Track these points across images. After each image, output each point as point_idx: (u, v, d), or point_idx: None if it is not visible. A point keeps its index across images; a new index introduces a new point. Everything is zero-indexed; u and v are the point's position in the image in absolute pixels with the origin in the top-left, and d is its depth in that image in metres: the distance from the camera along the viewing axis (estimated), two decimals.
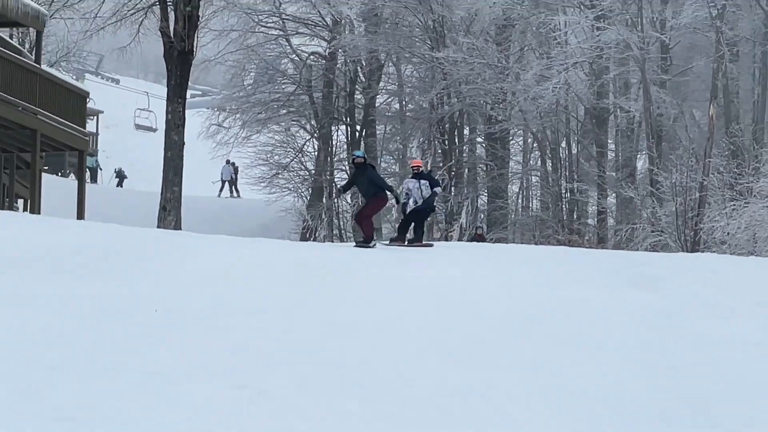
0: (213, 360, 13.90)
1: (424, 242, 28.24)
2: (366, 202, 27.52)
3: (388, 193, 27.34)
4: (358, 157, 27.42)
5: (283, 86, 64.37)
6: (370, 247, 26.38)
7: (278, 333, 15.85)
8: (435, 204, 29.62)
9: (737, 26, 58.20)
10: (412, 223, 28.34)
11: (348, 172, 59.35)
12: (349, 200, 61.75)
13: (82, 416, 11.12)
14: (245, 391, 12.65)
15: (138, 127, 73.06)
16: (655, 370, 15.82)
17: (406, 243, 27.94)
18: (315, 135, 63.07)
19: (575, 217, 62.41)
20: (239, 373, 13.23)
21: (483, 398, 13.78)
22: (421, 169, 28.69)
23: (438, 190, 28.67)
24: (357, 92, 63.70)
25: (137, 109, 73.45)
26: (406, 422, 12.33)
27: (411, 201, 27.53)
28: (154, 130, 72.76)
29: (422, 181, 27.27)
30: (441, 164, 60.72)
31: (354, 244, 28.31)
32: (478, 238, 48.25)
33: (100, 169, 68.42)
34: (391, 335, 16.51)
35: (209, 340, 14.95)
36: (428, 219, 31.10)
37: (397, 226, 32.97)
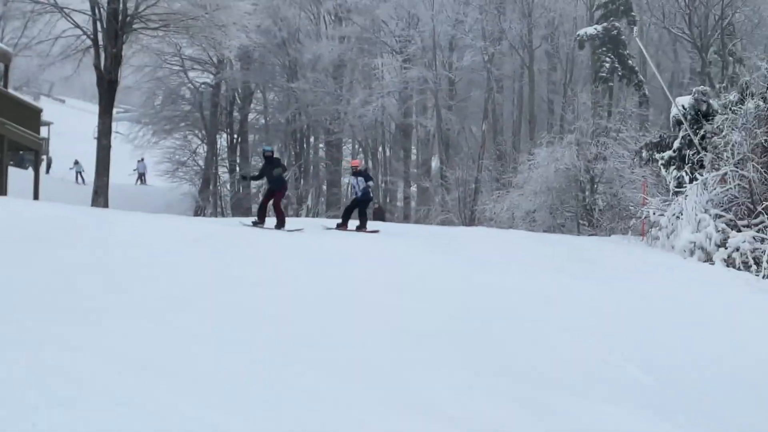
0: (135, 300, 14.50)
1: (369, 229, 27.82)
2: (273, 190, 25.70)
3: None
4: (267, 151, 26.93)
5: (182, 106, 68.20)
6: (296, 230, 25.56)
7: (187, 281, 16.53)
8: (371, 194, 29.95)
9: (502, 68, 62.12)
10: (356, 210, 27.93)
11: (228, 168, 65.73)
12: (228, 188, 66.02)
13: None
14: (162, 325, 13.20)
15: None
16: (448, 309, 16.54)
17: (349, 228, 27.55)
18: (204, 141, 67.08)
19: (388, 200, 66.91)
20: (155, 311, 13.76)
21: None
22: (359, 168, 29.41)
23: (370, 183, 29.03)
24: (235, 111, 68.27)
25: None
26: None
27: (354, 193, 28.75)
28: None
29: (359, 178, 27.92)
30: (294, 162, 65.36)
31: (251, 224, 26.11)
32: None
33: (81, 172, 66.39)
34: (271, 284, 16.97)
35: (135, 286, 15.60)
36: (368, 207, 30.02)
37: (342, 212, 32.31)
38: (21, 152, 52.24)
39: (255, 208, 52.13)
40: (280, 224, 25.83)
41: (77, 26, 43.18)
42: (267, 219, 26.64)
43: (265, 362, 11.78)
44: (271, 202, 26.46)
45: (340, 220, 28.62)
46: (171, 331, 12.90)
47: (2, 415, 7.65)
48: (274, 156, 27.49)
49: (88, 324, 12.51)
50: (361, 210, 28.08)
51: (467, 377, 12.80)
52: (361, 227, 27.65)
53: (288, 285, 17.26)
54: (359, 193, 28.12)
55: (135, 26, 42.35)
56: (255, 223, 26.07)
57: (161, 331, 12.81)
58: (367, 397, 11.11)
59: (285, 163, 45.31)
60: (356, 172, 28.94)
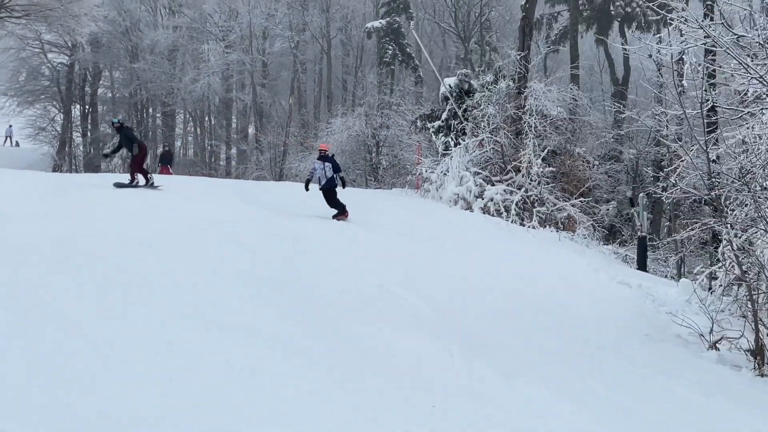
0: None
1: (347, 213, 22.00)
2: (134, 155, 22.00)
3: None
4: (115, 122, 23.74)
5: (42, 82, 64.93)
6: (155, 187, 22.39)
7: (54, 231, 15.17)
8: (337, 182, 21.82)
9: (306, 53, 62.07)
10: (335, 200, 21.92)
11: (81, 132, 64.11)
12: (81, 149, 64.09)
13: None
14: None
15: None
16: (254, 252, 15.63)
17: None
18: (61, 111, 64.12)
19: (213, 160, 66.45)
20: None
21: None
22: (326, 152, 22.28)
23: (341, 174, 22.08)
24: (86, 86, 65.16)
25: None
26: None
27: (315, 178, 21.74)
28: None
29: (326, 164, 21.53)
30: (136, 128, 58.67)
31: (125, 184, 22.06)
32: (167, 155, 40.67)
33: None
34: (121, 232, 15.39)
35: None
36: (336, 193, 22.08)
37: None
38: None
39: (104, 166, 57.76)
40: (147, 182, 21.88)
41: None
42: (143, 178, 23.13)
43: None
44: (137, 164, 22.37)
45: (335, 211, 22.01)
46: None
47: None
48: (124, 125, 22.88)
49: None
50: (329, 199, 21.96)
51: (265, 302, 12.55)
52: (338, 215, 21.84)
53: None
54: (323, 181, 21.70)
55: (1, 15, 41.47)
56: (128, 184, 21.84)
57: None
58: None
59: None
60: (323, 157, 22.11)
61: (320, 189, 21.88)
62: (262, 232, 17.78)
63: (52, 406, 7.90)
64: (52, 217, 16.56)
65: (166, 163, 37.61)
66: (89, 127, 62.92)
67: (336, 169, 21.89)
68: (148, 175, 21.61)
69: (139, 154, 21.99)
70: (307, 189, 21.75)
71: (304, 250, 16.81)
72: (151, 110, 66.01)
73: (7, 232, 14.81)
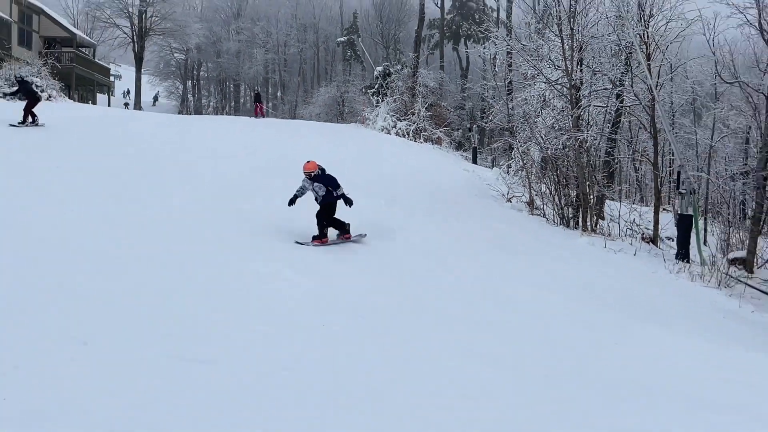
0: None
1: (353, 235, 8.79)
2: (28, 99, 13.54)
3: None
4: (17, 77, 17.48)
5: (171, 68, 56.98)
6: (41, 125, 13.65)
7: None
8: (336, 195, 8.57)
9: (306, 54, 54.90)
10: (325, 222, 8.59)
11: (192, 94, 58.18)
12: (192, 104, 57.21)
13: None
14: None
15: None
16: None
17: (329, 240, 8.60)
18: (181, 84, 57.52)
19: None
20: None
21: None
22: (312, 173, 8.50)
23: (340, 192, 8.56)
24: (194, 71, 57.83)
25: None
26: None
27: (306, 195, 8.82)
28: None
29: (315, 184, 8.59)
30: None
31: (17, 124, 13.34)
32: (258, 95, 30.90)
33: None
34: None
35: None
36: (334, 211, 8.68)
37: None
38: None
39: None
40: (33, 122, 13.55)
41: None
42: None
43: None
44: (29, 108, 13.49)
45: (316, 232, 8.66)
46: None
47: None
48: (24, 80, 15.87)
49: None
50: (329, 220, 8.66)
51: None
52: (341, 235, 8.78)
53: None
54: (319, 200, 8.70)
55: (149, 34, 41.21)
56: (21, 124, 13.32)
57: None
58: None
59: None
60: (312, 178, 8.60)
61: (318, 204, 8.79)
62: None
63: None
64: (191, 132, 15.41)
65: (258, 101, 30.86)
66: (196, 92, 59.47)
67: (330, 185, 8.69)
68: (35, 117, 13.60)
69: (34, 101, 13.70)
70: (289, 204, 8.78)
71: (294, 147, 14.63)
72: (227, 83, 60.66)
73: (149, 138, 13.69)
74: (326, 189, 8.58)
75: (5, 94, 17.96)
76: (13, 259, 5.33)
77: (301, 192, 8.76)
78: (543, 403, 3.86)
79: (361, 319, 5.41)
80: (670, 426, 3.65)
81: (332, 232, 8.65)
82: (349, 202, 8.59)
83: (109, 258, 5.91)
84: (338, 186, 8.59)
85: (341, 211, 8.73)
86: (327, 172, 8.67)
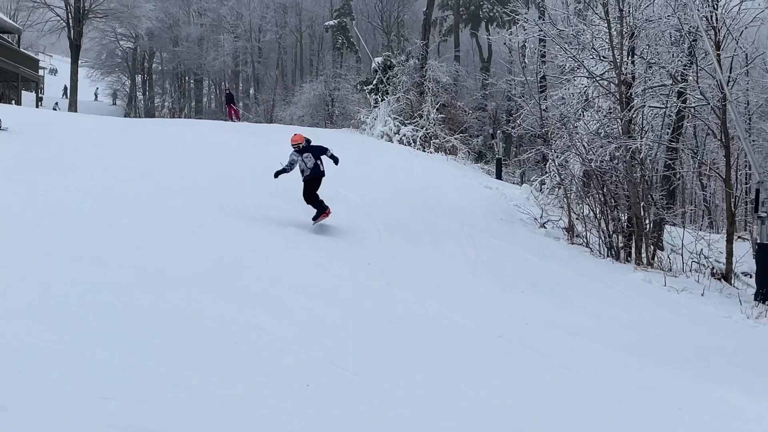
0: None
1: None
2: None
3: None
4: None
5: (116, 59, 59.23)
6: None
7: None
8: (322, 170, 11.18)
9: (286, 41, 55.78)
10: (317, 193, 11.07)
11: (142, 92, 59.38)
12: (142, 103, 58.84)
13: None
14: None
15: None
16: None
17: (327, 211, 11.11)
18: (129, 79, 59.91)
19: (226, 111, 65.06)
20: None
21: None
22: (300, 144, 11.08)
23: (330, 153, 11.26)
24: (145, 62, 59.76)
25: None
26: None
27: (294, 170, 11.24)
28: None
29: (305, 154, 11.01)
30: None
31: None
32: (229, 95, 34.16)
33: None
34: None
35: None
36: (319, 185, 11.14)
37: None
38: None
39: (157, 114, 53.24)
40: None
41: None
42: None
43: None
44: None
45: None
46: None
47: None
48: None
49: None
50: (310, 193, 11.14)
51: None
52: (317, 215, 11.10)
53: None
54: (306, 172, 11.09)
55: (89, 17, 40.68)
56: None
57: None
58: None
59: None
60: (299, 150, 11.19)
61: (304, 180, 11.08)
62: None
63: None
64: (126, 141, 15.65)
65: (231, 102, 32.91)
66: (147, 89, 59.96)
67: (320, 152, 11.21)
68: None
69: None
70: (275, 176, 11.15)
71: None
72: (186, 78, 61.48)
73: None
74: (314, 160, 10.80)
75: None
76: None
77: (289, 167, 10.93)
78: None
79: (355, 377, 5.33)
80: None
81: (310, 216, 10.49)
82: (335, 159, 11.14)
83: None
84: (327, 149, 11.09)
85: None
86: (312, 143, 10.95)
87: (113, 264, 6.96)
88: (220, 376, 4.69)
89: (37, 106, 35.12)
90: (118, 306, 5.71)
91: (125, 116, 51.51)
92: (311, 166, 10.80)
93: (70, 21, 39.44)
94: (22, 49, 35.29)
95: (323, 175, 10.93)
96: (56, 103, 48.54)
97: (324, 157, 11.15)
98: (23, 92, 35.23)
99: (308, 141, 10.95)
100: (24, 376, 4.22)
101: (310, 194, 10.86)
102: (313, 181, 10.84)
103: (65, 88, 54.85)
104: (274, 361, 5.29)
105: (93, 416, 3.77)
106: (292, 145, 10.97)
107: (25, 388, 4.06)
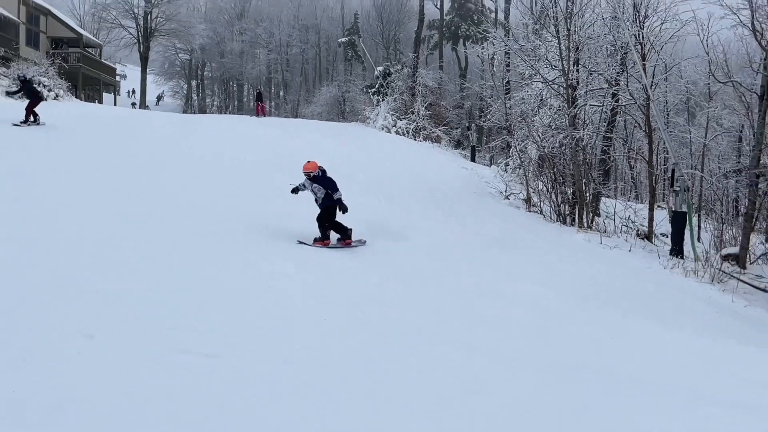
0: None
1: (353, 239, 8.18)
2: (30, 99, 13.16)
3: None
4: (20, 77, 15.12)
5: (176, 68, 56.87)
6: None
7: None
8: (333, 204, 7.92)
9: (308, 54, 54.21)
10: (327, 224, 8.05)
11: (196, 93, 57.78)
12: (197, 102, 56.75)
13: None
14: None
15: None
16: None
17: (331, 242, 8.07)
18: (186, 84, 57.06)
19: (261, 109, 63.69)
20: None
21: None
22: (312, 174, 7.89)
23: (337, 196, 7.87)
24: (198, 70, 57.30)
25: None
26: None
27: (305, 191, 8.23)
28: None
29: (315, 185, 7.99)
30: None
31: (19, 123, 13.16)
32: (259, 95, 32.22)
33: None
34: None
35: None
36: (335, 214, 8.00)
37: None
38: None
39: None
40: (36, 121, 13.32)
41: None
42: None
43: None
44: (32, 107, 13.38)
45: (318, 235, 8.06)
46: None
47: None
48: (27, 79, 14.48)
49: None
50: (330, 223, 8.08)
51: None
52: (342, 240, 8.15)
53: None
54: (319, 202, 8.09)
55: (155, 35, 41.33)
56: (23, 123, 13.11)
57: None
58: None
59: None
60: (311, 178, 7.99)
61: (318, 206, 8.21)
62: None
63: None
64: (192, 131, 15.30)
65: (260, 100, 31.55)
66: (200, 91, 59.21)
67: (329, 188, 8.07)
68: (37, 116, 13.41)
69: (37, 100, 13.49)
70: (292, 192, 8.43)
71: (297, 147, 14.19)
72: (231, 83, 60.43)
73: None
74: (325, 192, 8.01)
75: (8, 93, 17.52)
76: (19, 257, 5.23)
77: (303, 186, 8.20)
78: (542, 397, 3.83)
79: (362, 314, 5.32)
80: (667, 419, 3.64)
81: (333, 236, 8.17)
82: (344, 208, 7.93)
83: (114, 254, 5.75)
84: (336, 189, 8.01)
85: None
86: (327, 174, 8.12)
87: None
88: (262, 313, 4.77)
89: (114, 104, 34.56)
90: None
91: (183, 113, 50.58)
92: (322, 197, 8.07)
93: (140, 38, 39.71)
94: (103, 60, 34.49)
95: (335, 207, 8.02)
96: (133, 103, 47.98)
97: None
98: (104, 94, 34.68)
99: (322, 170, 8.14)
100: (111, 311, 4.26)
101: (326, 221, 8.09)
102: (326, 210, 8.05)
103: (131, 91, 54.08)
104: (306, 305, 5.32)
105: (164, 342, 3.86)
106: (304, 172, 8.01)
107: (112, 321, 4.10)
